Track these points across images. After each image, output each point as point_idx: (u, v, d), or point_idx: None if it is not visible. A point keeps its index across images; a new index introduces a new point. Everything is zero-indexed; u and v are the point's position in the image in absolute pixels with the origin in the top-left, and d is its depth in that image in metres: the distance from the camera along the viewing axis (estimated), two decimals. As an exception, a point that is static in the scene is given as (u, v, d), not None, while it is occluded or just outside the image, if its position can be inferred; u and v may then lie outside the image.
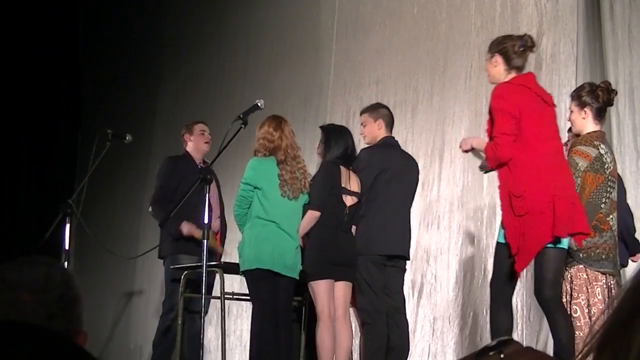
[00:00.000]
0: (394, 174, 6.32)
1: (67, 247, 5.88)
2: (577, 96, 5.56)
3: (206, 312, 6.24)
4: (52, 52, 11.93)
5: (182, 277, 6.50)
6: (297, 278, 6.04)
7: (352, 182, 6.17)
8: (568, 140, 5.77)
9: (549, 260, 5.13)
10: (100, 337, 10.16)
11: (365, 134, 6.53)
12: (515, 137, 5.06)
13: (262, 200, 5.98)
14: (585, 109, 5.48)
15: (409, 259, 6.42)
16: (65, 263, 5.82)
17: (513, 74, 5.21)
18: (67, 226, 5.93)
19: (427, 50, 8.18)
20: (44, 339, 1.66)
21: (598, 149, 5.40)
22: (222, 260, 6.98)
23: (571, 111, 5.61)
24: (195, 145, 7.22)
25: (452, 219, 7.65)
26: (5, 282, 1.84)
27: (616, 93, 5.64)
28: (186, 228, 6.72)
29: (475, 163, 7.56)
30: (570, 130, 5.83)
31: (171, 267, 6.79)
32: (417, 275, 7.72)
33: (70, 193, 6.66)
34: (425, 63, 8.16)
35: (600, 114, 5.52)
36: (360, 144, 6.80)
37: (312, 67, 9.30)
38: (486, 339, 7.14)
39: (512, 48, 5.21)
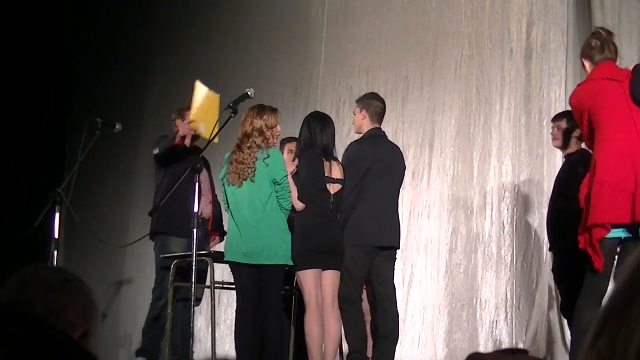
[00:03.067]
0: (383, 166, 6.33)
1: (56, 235, 5.87)
2: None
3: (199, 300, 6.24)
4: (41, 42, 11.89)
5: (173, 265, 6.50)
6: (271, 263, 5.91)
7: (334, 170, 6.16)
8: None
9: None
10: (90, 327, 10.15)
11: (353, 122, 6.59)
12: (591, 132, 5.09)
13: (227, 192, 6.03)
14: None
15: (399, 249, 6.44)
16: (55, 252, 5.83)
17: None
18: (57, 215, 5.92)
19: (417, 40, 8.17)
20: (38, 328, 1.68)
21: None
22: (214, 249, 6.98)
23: None
24: (188, 133, 7.18)
25: (442, 209, 7.66)
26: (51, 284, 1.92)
27: None
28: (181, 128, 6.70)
29: (465, 153, 7.58)
30: None
31: (161, 256, 6.77)
32: (407, 265, 7.73)
33: (60, 182, 6.63)
34: (416, 52, 8.16)
35: None
36: (351, 133, 6.81)
37: (303, 56, 9.29)
38: (476, 329, 7.16)
39: (590, 47, 5.22)
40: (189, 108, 7.22)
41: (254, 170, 5.92)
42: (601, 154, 4.97)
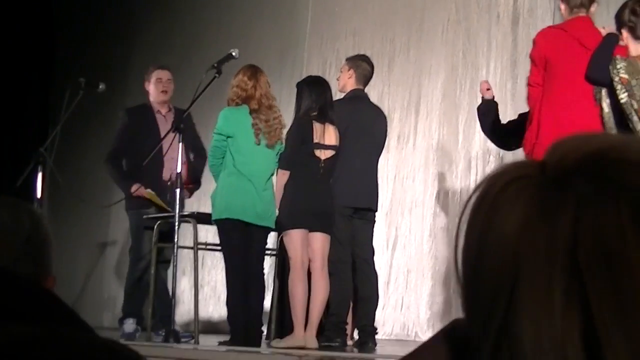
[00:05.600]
0: (360, 127, 6.31)
1: (38, 195, 5.86)
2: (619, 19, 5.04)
3: (169, 262, 6.21)
4: (25, 3, 11.76)
5: (155, 227, 6.46)
6: (272, 227, 6.03)
7: (327, 136, 6.10)
8: None
9: None
10: (74, 288, 10.16)
11: (338, 80, 6.57)
12: (542, 86, 5.00)
13: (234, 149, 5.95)
14: (623, 30, 4.96)
15: (376, 211, 6.43)
16: (38, 212, 5.80)
17: (574, 17, 5.09)
18: (39, 175, 5.91)
19: (404, 2, 8.13)
20: (7, 282, 1.63)
21: None
22: (197, 210, 6.96)
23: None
24: (152, 94, 7.00)
25: (427, 172, 7.66)
26: None
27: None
28: (134, 189, 6.71)
29: (450, 117, 7.57)
30: None
31: (144, 217, 6.71)
32: (391, 228, 7.74)
33: (44, 142, 6.60)
34: (402, 15, 8.12)
35: None
36: (337, 95, 6.79)
37: (289, 18, 9.23)
38: (459, 292, 7.19)
39: None
40: (155, 69, 7.08)
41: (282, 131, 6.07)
42: (548, 113, 4.93)
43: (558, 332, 0.72)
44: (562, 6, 5.16)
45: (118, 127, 7.06)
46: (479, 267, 0.78)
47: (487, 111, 5.65)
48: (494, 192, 0.78)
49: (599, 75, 4.83)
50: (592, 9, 5.16)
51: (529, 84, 5.12)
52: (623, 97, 4.74)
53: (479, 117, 5.74)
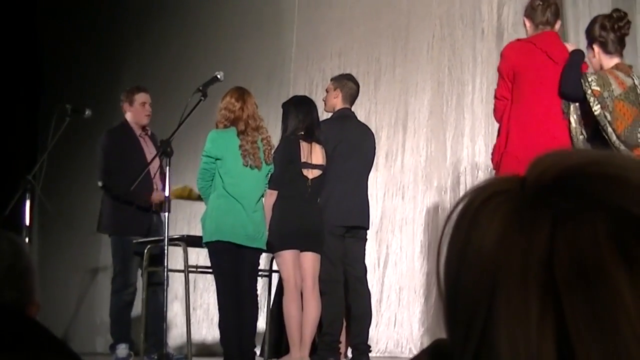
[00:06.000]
0: (350, 146, 6.34)
1: (27, 223, 5.84)
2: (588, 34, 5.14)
3: (161, 285, 6.20)
4: (11, 27, 11.77)
5: (146, 251, 6.44)
6: (263, 248, 6.01)
7: (314, 155, 6.13)
8: None
9: None
10: (66, 313, 10.12)
11: (324, 100, 6.59)
12: (509, 100, 5.07)
13: (223, 171, 5.93)
14: (594, 45, 5.06)
15: (368, 229, 6.45)
16: (26, 239, 5.79)
17: (540, 32, 5.18)
18: (27, 202, 5.89)
19: (389, 22, 8.16)
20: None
21: (633, 78, 4.96)
22: (187, 233, 6.95)
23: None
24: (135, 117, 7.02)
25: (416, 189, 7.67)
26: None
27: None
28: (154, 196, 6.68)
29: (438, 133, 7.58)
30: None
31: (134, 241, 6.69)
32: (382, 246, 7.74)
33: (32, 169, 6.59)
34: (388, 34, 8.15)
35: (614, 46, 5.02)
36: (323, 115, 6.80)
37: (275, 39, 9.26)
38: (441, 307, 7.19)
39: (532, 5, 5.20)
40: (138, 91, 7.07)
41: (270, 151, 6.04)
42: (517, 123, 4.99)
43: (533, 343, 0.72)
44: (527, 23, 5.25)
45: (102, 147, 6.97)
46: (459, 281, 0.79)
47: None
48: (474, 207, 0.79)
49: (572, 90, 4.91)
50: (557, 26, 5.27)
51: (496, 97, 5.20)
52: (596, 109, 4.82)
53: None
